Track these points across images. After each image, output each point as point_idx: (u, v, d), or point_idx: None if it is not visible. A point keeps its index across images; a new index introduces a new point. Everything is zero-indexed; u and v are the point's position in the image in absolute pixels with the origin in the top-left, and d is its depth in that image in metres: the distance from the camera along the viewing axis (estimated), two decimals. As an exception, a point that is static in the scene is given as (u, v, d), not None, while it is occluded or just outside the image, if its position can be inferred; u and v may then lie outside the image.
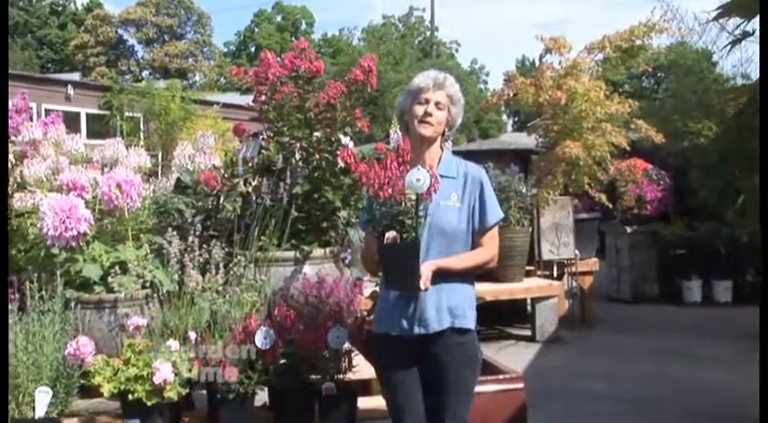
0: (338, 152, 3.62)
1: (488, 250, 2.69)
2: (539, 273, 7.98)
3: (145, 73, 40.70)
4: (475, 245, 2.67)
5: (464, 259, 2.64)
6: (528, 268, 7.78)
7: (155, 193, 4.26)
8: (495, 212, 2.69)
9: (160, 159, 10.13)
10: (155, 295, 3.24)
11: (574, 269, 8.19)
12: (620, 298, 9.90)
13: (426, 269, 2.52)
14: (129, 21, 41.06)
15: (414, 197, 2.46)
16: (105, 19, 40.73)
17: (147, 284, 3.26)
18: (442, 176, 2.53)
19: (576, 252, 8.08)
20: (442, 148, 2.77)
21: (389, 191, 2.43)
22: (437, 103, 2.69)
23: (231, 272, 3.27)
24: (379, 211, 2.50)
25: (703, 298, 9.44)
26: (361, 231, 3.07)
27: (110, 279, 3.17)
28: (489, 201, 2.68)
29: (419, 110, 2.68)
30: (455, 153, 2.93)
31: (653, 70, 15.88)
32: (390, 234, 2.46)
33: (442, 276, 2.57)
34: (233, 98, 19.70)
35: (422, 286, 2.50)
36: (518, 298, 7.63)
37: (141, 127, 16.85)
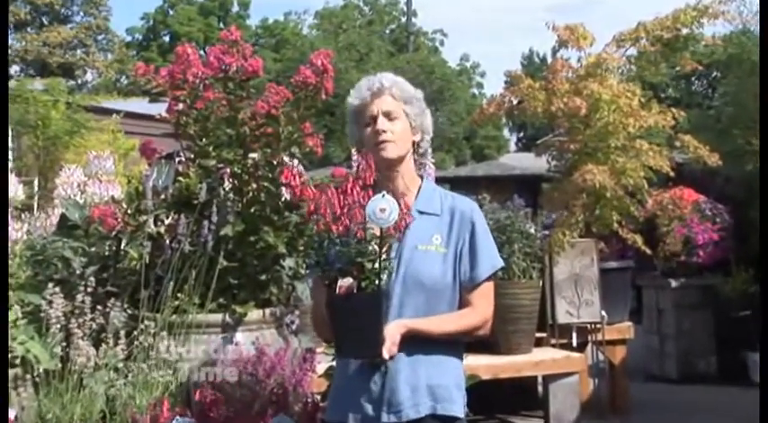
0: (281, 179, 3.66)
1: (478, 312, 2.68)
2: (553, 341, 7.99)
3: (15, 68, 40.51)
4: (462, 303, 2.68)
5: (446, 322, 2.63)
6: (539, 335, 7.79)
7: (29, 234, 4.26)
8: (489, 261, 2.71)
9: (37, 188, 10.10)
10: (27, 376, 3.23)
11: (600, 337, 8.24)
12: (664, 376, 9.95)
13: (393, 331, 2.50)
14: (-6, -2, 40.97)
15: (378, 234, 2.44)
16: (-41, -6, 40.61)
17: (17, 361, 3.24)
18: (421, 213, 2.55)
19: (603, 314, 8.12)
20: (421, 176, 2.80)
21: (347, 223, 2.42)
22: (386, 114, 2.71)
23: (136, 342, 3.28)
24: (331, 251, 2.48)
25: (778, 375, 9.53)
26: (310, 280, 3.09)
27: (-36, 353, 3.16)
28: (482, 244, 2.70)
29: (369, 133, 2.71)
30: (439, 180, 2.97)
31: (705, 69, 16.10)
32: (344, 282, 2.45)
33: (418, 345, 2.57)
34: (139, 105, 19.64)
35: (385, 354, 2.47)
36: (526, 376, 7.66)
37: (10, 143, 16.71)
